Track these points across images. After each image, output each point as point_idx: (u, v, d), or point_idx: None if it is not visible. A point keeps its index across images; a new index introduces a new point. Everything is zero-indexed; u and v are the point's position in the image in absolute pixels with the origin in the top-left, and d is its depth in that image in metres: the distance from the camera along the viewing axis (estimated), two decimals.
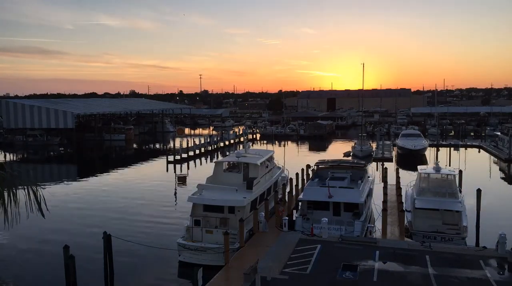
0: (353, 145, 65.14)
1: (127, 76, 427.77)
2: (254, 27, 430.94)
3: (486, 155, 63.51)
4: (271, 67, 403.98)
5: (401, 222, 24.81)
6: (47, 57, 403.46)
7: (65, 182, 49.07)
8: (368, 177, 30.62)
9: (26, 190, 7.40)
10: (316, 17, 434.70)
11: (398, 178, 34.29)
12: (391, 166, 49.52)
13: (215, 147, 73.28)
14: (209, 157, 65.25)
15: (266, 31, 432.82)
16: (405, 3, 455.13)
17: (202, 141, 69.43)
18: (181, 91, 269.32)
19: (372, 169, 41.62)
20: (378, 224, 24.96)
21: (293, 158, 60.15)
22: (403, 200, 29.05)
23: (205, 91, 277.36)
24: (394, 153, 63.53)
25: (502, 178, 49.32)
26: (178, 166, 56.75)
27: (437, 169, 28.49)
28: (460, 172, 34.16)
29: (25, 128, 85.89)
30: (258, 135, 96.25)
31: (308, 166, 36.58)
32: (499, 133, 67.95)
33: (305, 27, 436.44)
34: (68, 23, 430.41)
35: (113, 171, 55.34)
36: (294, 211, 28.69)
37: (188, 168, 56.14)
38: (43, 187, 8.22)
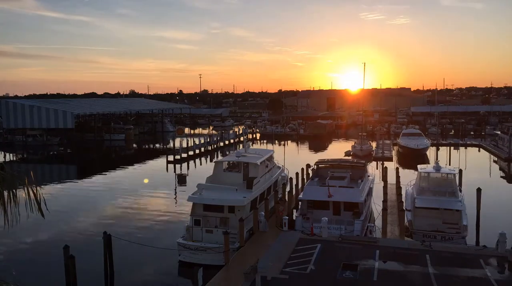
0: (353, 144, 65.13)
1: (127, 77, 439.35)
2: (283, 38, 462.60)
3: (486, 154, 63.51)
4: (285, 70, 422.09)
5: (401, 221, 24.81)
6: (83, 62, 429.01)
7: (65, 182, 49.09)
8: (368, 176, 30.57)
9: (26, 190, 7.37)
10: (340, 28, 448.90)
11: (398, 177, 34.27)
12: (391, 165, 49.51)
13: (215, 146, 73.23)
14: (209, 156, 65.22)
15: (293, 40, 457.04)
16: (406, 3, 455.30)
17: (202, 141, 69.35)
18: (180, 91, 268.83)
19: (372, 168, 41.56)
20: (378, 223, 24.97)
21: (293, 157, 60.12)
22: (403, 199, 29.04)
23: (205, 91, 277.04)
24: (394, 152, 63.54)
25: (502, 177, 49.34)
26: (178, 166, 56.73)
27: (437, 168, 28.47)
28: (460, 171, 34.16)
29: (25, 128, 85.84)
30: (258, 135, 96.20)
31: (308, 165, 36.53)
32: (499, 132, 67.95)
33: (327, 36, 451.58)
34: (127, 35, 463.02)
35: (113, 170, 55.32)
36: (294, 211, 28.67)
37: (188, 168, 56.14)
38: (43, 187, 8.20)
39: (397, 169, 39.76)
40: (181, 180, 47.39)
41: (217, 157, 62.71)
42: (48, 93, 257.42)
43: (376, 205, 28.06)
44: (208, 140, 71.43)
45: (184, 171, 53.49)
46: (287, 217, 24.86)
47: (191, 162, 60.13)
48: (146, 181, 45.39)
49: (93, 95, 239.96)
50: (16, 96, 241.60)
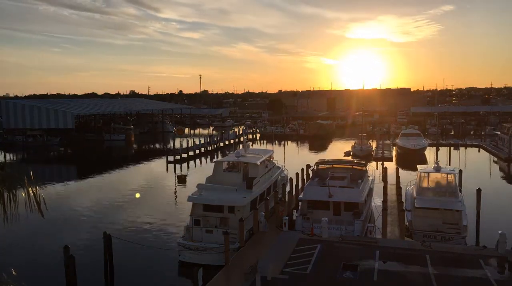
0: (353, 144, 65.09)
1: (128, 78, 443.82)
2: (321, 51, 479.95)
3: (486, 154, 63.48)
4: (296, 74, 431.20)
5: (401, 221, 24.80)
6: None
7: (65, 182, 49.06)
8: (368, 176, 30.54)
9: (26, 190, 7.38)
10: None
11: (398, 177, 34.28)
12: (391, 166, 49.49)
13: (215, 146, 73.22)
14: (209, 156, 65.22)
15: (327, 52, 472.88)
16: (405, 2, 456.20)
17: (202, 141, 69.33)
18: (181, 91, 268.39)
19: (372, 168, 41.58)
20: (378, 224, 24.93)
21: (293, 158, 60.09)
22: (403, 199, 29.05)
23: (205, 91, 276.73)
24: (394, 153, 63.52)
25: (502, 177, 49.34)
26: (178, 166, 56.71)
27: (437, 168, 28.46)
28: (460, 171, 34.14)
29: (25, 128, 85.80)
30: (258, 135, 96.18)
31: (308, 166, 36.49)
32: (499, 132, 67.89)
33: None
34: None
35: (113, 171, 55.33)
36: (294, 211, 28.67)
37: (188, 168, 56.12)
38: (43, 187, 8.19)
39: (397, 169, 39.73)
40: (181, 180, 47.33)
41: (217, 157, 62.70)
42: (48, 94, 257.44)
43: (376, 205, 28.05)
44: (208, 140, 71.43)
45: (184, 171, 53.45)
46: (287, 217, 24.86)
47: (191, 162, 60.12)
48: (137, 195, 41.45)
49: (93, 95, 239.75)
50: (16, 97, 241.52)
